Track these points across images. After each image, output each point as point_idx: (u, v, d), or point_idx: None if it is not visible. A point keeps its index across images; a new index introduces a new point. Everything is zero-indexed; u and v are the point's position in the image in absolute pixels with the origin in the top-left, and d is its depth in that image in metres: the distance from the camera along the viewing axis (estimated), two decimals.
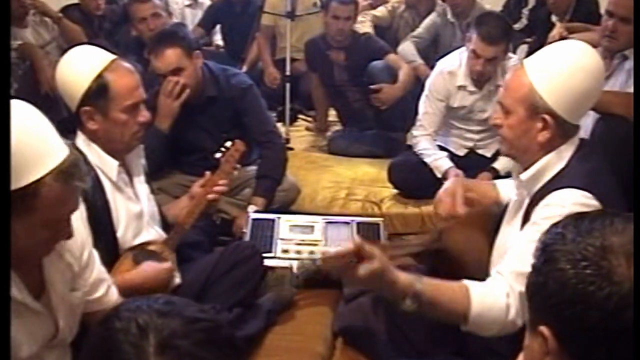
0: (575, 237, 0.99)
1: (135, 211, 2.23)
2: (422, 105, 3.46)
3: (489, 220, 1.96)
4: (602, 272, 0.95)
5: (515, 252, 1.70)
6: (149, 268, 2.15)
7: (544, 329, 0.99)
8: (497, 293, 1.65)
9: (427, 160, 3.37)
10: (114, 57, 2.17)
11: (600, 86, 1.85)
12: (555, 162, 1.79)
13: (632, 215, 1.03)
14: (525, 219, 1.77)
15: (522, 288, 1.58)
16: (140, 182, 2.29)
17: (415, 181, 3.38)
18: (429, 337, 1.96)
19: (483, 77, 3.32)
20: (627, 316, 0.92)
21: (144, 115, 2.18)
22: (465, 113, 3.45)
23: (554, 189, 1.71)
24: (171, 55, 2.97)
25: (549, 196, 1.71)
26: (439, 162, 3.34)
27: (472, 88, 3.37)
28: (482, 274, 1.80)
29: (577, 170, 1.75)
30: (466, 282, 1.68)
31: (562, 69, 1.76)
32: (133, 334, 0.90)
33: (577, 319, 0.95)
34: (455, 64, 3.40)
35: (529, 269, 1.53)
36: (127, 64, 2.19)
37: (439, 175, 3.25)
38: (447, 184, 2.17)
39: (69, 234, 1.55)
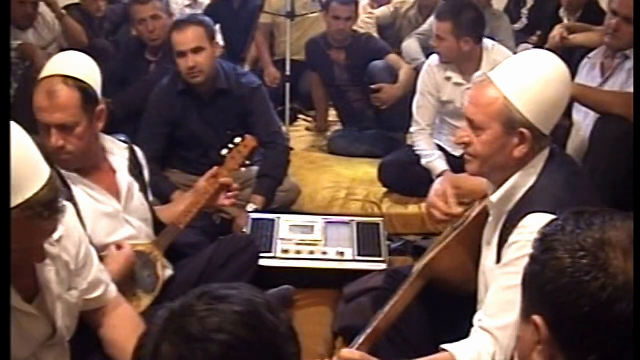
0: (575, 229, 1.02)
1: (106, 210, 2.18)
2: (416, 101, 3.49)
3: (479, 230, 1.91)
4: (599, 264, 0.97)
5: (495, 302, 1.69)
6: (111, 260, 2.11)
7: (536, 318, 1.01)
8: (484, 358, 1.66)
9: (423, 161, 3.37)
10: (61, 72, 2.06)
11: (568, 93, 1.80)
12: (525, 179, 1.74)
13: (632, 214, 1.05)
14: (501, 240, 1.74)
15: (509, 340, 1.61)
16: (123, 178, 2.25)
17: (406, 180, 3.41)
18: (429, 338, 1.95)
19: (448, 58, 3.33)
20: (618, 309, 0.95)
21: (51, 141, 2.03)
22: (456, 107, 3.43)
23: (526, 213, 1.66)
24: (195, 32, 3.03)
25: (518, 226, 1.67)
26: (435, 163, 3.32)
27: (459, 80, 3.37)
28: (470, 289, 1.85)
29: (547, 190, 1.70)
30: (452, 350, 1.68)
31: (535, 80, 1.71)
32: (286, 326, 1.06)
33: (570, 307, 0.97)
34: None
35: (512, 318, 1.56)
36: (58, 86, 2.04)
37: (435, 178, 3.22)
38: (435, 185, 2.14)
39: (41, 258, 1.51)
